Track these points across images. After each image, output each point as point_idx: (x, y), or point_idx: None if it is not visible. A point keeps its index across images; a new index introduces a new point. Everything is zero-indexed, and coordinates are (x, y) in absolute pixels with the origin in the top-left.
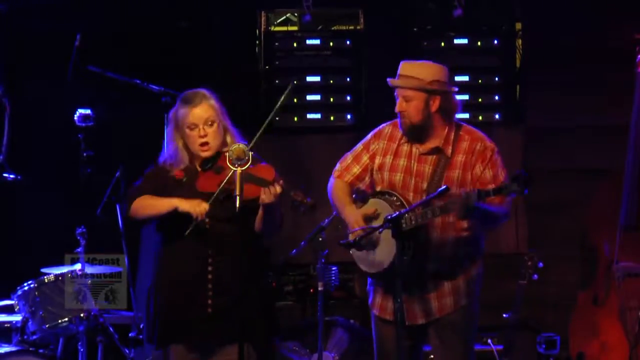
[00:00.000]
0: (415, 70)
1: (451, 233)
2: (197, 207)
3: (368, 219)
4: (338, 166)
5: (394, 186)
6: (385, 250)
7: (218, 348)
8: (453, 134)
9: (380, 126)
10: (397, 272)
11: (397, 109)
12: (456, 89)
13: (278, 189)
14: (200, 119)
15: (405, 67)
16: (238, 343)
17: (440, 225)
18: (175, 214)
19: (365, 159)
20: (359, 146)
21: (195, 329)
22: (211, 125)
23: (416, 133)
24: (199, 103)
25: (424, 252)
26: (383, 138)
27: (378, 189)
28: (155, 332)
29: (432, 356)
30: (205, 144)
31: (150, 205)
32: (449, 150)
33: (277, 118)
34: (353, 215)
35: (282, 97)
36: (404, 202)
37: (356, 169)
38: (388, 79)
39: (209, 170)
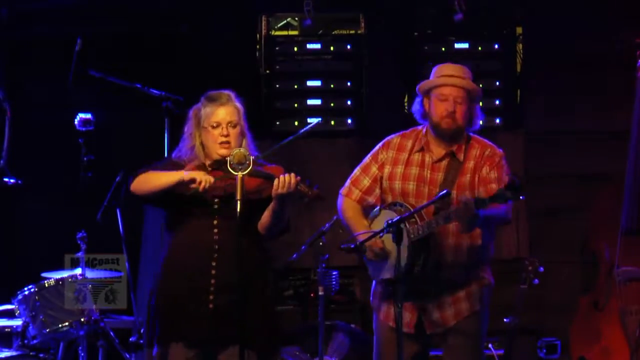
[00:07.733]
0: (465, 73)
1: (465, 240)
2: (202, 175)
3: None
4: (347, 182)
5: (407, 195)
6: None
7: (218, 348)
8: (465, 142)
9: (388, 137)
10: (397, 278)
11: (447, 109)
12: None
13: (293, 179)
14: (225, 118)
15: (454, 69)
16: (239, 347)
17: (455, 232)
18: (179, 199)
19: (374, 169)
20: (367, 158)
21: (195, 326)
22: (234, 127)
23: (451, 137)
24: (225, 103)
25: (438, 260)
26: (392, 148)
27: (389, 200)
28: (156, 330)
29: None
30: (227, 142)
31: (155, 177)
32: (461, 156)
33: (277, 122)
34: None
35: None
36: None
37: (366, 181)
38: (436, 80)
39: (218, 171)
